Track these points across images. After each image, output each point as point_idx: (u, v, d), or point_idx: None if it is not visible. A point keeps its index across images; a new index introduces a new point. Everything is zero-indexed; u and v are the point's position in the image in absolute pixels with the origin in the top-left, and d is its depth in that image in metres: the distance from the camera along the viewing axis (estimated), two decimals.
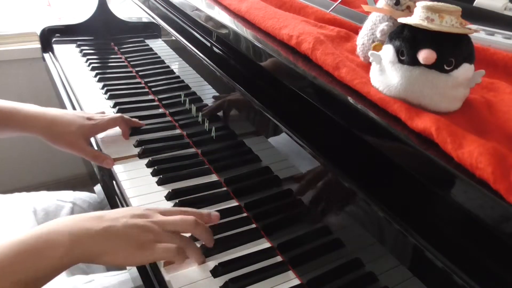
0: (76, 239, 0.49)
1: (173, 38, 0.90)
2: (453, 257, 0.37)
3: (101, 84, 1.03)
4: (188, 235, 0.58)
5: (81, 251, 0.49)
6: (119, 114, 0.83)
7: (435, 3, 0.42)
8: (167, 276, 0.56)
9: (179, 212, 0.58)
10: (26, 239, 0.48)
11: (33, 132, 0.75)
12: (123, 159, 0.78)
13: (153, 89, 1.01)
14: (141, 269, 0.58)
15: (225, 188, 0.72)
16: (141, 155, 0.79)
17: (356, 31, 0.59)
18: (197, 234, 0.57)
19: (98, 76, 1.06)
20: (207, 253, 0.59)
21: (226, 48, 0.73)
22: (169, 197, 0.69)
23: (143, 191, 0.71)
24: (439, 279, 0.38)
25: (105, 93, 1.00)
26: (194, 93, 0.84)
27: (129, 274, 0.68)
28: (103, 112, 0.86)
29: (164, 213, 0.57)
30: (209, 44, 0.78)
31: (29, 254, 0.47)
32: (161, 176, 0.73)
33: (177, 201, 0.67)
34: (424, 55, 0.40)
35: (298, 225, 0.59)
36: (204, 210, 0.61)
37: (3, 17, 1.53)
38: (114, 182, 0.74)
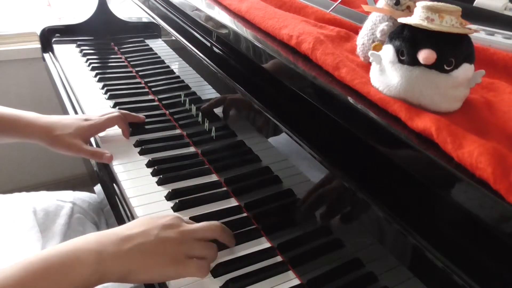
0: (103, 261, 0.48)
1: (173, 38, 0.90)
2: (453, 257, 0.37)
3: (101, 84, 1.03)
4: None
5: (109, 272, 0.48)
6: (116, 114, 0.83)
7: (435, 3, 0.42)
8: None
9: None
10: (51, 255, 0.47)
11: (32, 139, 0.77)
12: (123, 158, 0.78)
13: (153, 89, 1.01)
14: None
15: (225, 188, 0.72)
16: (141, 155, 0.79)
17: (356, 31, 0.59)
18: (223, 238, 0.58)
19: (98, 76, 1.06)
20: None
21: (226, 48, 0.73)
22: (169, 197, 0.69)
23: (143, 191, 0.71)
24: (439, 279, 0.38)
25: (105, 93, 1.00)
26: (194, 93, 0.84)
27: None
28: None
29: (188, 221, 0.57)
30: (209, 44, 0.78)
31: (54, 272, 0.46)
32: (161, 176, 0.73)
33: (177, 201, 0.67)
34: (424, 55, 0.40)
35: (298, 225, 0.59)
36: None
37: (3, 17, 1.53)
38: (114, 182, 0.74)
